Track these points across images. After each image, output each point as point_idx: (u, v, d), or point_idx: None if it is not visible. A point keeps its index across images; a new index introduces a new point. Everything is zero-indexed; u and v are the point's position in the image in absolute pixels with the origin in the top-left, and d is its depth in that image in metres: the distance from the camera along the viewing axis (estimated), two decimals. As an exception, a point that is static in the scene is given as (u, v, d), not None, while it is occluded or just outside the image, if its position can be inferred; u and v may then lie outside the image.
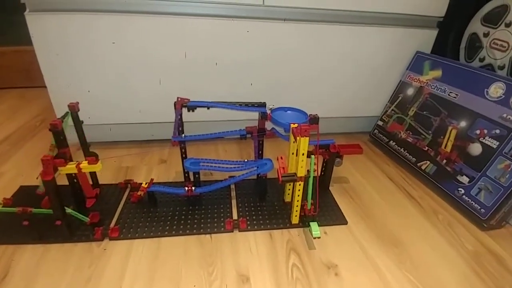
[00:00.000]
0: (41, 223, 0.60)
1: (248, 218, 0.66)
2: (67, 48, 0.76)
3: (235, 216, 0.67)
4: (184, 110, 0.68)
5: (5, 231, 0.60)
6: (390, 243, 0.62)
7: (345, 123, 1.07)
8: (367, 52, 0.92)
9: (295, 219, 0.65)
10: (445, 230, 0.67)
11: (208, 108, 0.69)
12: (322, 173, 0.77)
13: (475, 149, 0.72)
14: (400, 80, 0.98)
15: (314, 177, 0.59)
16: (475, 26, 0.94)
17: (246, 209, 0.69)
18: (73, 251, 0.57)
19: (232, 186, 0.76)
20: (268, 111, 0.68)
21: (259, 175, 0.73)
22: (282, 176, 0.59)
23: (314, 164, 0.59)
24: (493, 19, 0.88)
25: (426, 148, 0.83)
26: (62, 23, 0.73)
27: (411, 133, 0.89)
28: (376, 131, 1.02)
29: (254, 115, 0.71)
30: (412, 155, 0.87)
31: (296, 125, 0.59)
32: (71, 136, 0.64)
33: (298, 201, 0.62)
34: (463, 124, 0.76)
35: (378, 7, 0.86)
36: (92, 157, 0.56)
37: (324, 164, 0.76)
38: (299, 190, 0.60)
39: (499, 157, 0.66)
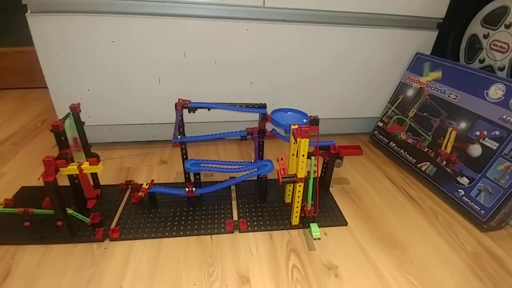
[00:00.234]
0: (42, 224, 0.60)
1: (248, 219, 0.66)
2: (68, 48, 0.76)
3: (235, 217, 0.67)
4: (185, 111, 0.68)
5: (6, 232, 0.60)
6: (390, 244, 0.63)
7: (345, 124, 1.08)
8: (367, 53, 0.92)
9: (295, 220, 0.65)
10: (445, 231, 0.67)
11: (209, 109, 0.69)
12: (322, 174, 0.77)
13: (475, 150, 0.72)
14: (400, 81, 0.98)
15: (314, 178, 0.60)
16: (475, 27, 0.94)
17: (247, 210, 0.69)
18: (74, 252, 0.57)
19: (233, 187, 0.76)
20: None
21: (260, 176, 0.73)
22: (282, 177, 0.59)
23: (314, 165, 0.59)
24: (493, 20, 0.88)
25: (426, 149, 0.83)
26: (63, 24, 0.74)
27: (411, 134, 0.89)
28: (376, 132, 1.02)
29: (255, 116, 0.72)
30: (412, 156, 0.87)
31: (296, 126, 0.60)
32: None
33: (298, 202, 0.62)
34: (463, 125, 0.76)
35: (378, 9, 0.86)
36: (94, 158, 0.57)
37: (324, 165, 0.76)
38: (299, 191, 0.60)
39: (499, 158, 0.67)
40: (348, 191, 0.79)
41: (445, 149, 0.79)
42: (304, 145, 0.55)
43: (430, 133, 0.84)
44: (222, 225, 0.65)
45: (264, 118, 0.69)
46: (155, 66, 0.82)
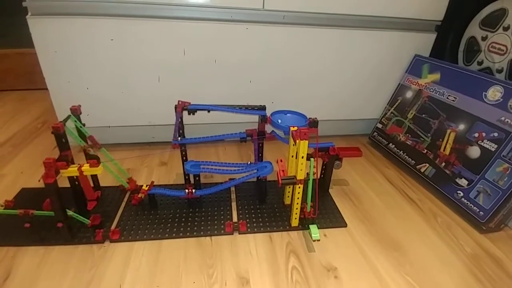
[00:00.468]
0: (42, 225, 0.60)
1: (248, 220, 0.67)
2: (68, 50, 0.77)
3: (235, 219, 0.68)
4: (185, 112, 0.68)
5: (6, 233, 0.60)
6: (389, 246, 0.63)
7: (344, 126, 1.08)
8: (367, 55, 0.93)
9: (294, 222, 0.65)
10: (444, 233, 0.67)
11: (209, 111, 0.69)
12: (322, 175, 0.77)
13: (474, 152, 0.72)
14: (399, 83, 0.98)
15: (313, 179, 0.60)
16: (474, 29, 0.94)
17: (246, 211, 0.70)
18: (74, 253, 0.57)
19: (232, 189, 0.77)
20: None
21: (259, 178, 0.74)
22: (281, 179, 0.59)
23: (314, 167, 0.59)
24: (491, 22, 0.89)
25: (425, 150, 0.84)
26: (63, 26, 0.74)
27: (410, 135, 0.89)
28: (375, 133, 1.03)
29: (254, 117, 0.72)
30: (411, 157, 0.87)
31: (295, 128, 0.60)
32: (72, 138, 0.65)
33: (297, 203, 0.62)
34: (461, 127, 0.76)
35: (377, 11, 0.87)
36: (94, 160, 0.57)
37: (324, 167, 0.76)
38: (298, 192, 0.60)
39: (498, 160, 0.67)
40: (348, 193, 0.79)
41: (444, 150, 0.79)
42: (303, 146, 0.55)
43: (429, 134, 0.84)
44: (222, 226, 0.65)
45: (263, 120, 0.69)
46: (155, 67, 0.82)
